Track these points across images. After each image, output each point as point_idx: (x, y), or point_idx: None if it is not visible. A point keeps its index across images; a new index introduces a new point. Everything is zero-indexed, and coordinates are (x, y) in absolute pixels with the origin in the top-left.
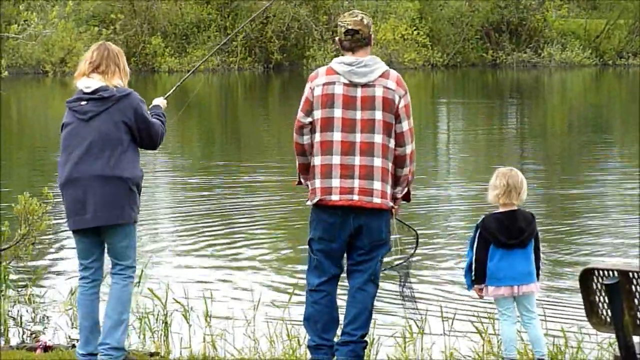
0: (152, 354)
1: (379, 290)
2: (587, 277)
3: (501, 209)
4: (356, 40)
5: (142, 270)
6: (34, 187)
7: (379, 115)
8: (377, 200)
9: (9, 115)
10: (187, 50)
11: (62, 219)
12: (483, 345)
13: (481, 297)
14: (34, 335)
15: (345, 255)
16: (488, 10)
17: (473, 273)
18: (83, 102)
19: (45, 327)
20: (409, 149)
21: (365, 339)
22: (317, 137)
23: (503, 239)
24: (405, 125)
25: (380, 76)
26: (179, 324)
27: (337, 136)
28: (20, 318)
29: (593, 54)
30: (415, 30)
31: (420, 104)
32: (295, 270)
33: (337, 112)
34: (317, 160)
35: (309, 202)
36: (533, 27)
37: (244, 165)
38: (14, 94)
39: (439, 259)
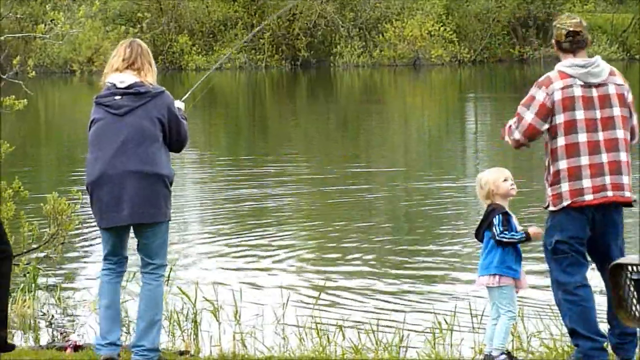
0: (182, 353)
1: (407, 288)
2: (616, 271)
3: None
4: (577, 42)
5: (171, 269)
6: (63, 186)
7: (617, 111)
8: (628, 194)
9: (37, 115)
10: (214, 48)
11: (91, 218)
12: (512, 341)
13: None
14: (63, 335)
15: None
16: (515, 5)
17: None
18: (117, 97)
19: (75, 327)
20: (636, 140)
21: None
22: (561, 140)
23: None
24: (635, 119)
25: (609, 74)
26: (208, 323)
27: (582, 137)
28: (50, 317)
29: (620, 48)
30: (442, 26)
31: (448, 99)
32: (325, 267)
33: (579, 114)
34: (562, 164)
35: (551, 208)
36: None
37: (272, 159)
38: (42, 93)
39: (467, 255)
